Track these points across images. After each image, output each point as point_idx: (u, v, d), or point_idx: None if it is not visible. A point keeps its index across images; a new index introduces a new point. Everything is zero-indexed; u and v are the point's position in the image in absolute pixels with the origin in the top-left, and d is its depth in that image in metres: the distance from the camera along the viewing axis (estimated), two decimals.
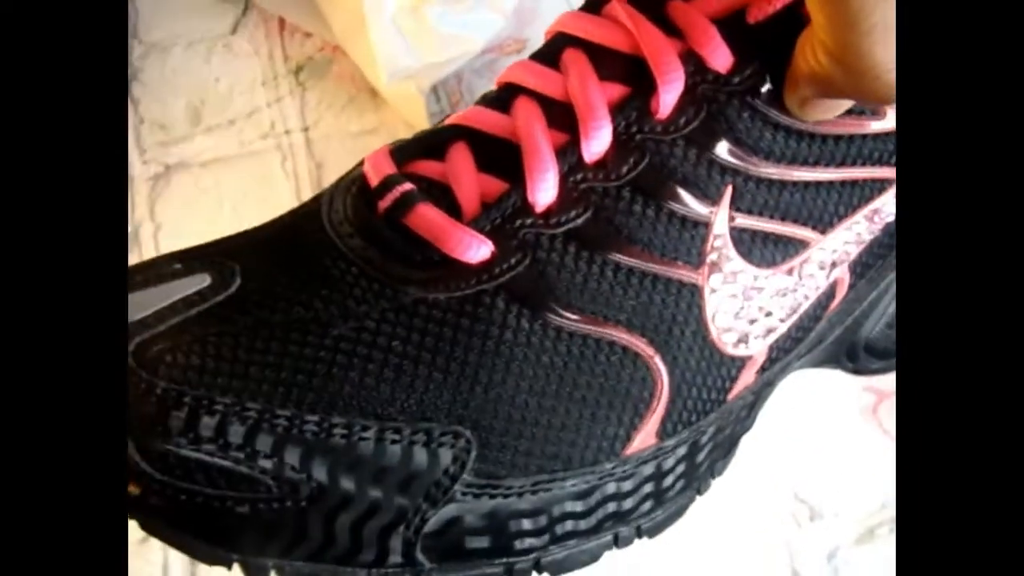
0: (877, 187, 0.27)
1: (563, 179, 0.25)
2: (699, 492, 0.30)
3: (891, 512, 0.46)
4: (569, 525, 0.27)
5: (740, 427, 0.32)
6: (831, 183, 0.27)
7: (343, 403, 0.23)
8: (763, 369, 0.29)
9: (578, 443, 0.26)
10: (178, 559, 0.46)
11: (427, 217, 0.25)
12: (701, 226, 0.25)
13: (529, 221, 0.25)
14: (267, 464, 0.23)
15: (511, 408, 0.25)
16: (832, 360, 0.33)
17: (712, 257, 0.26)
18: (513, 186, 0.26)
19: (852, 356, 0.33)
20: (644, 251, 0.25)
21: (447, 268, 0.25)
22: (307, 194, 0.58)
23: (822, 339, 0.31)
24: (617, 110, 0.26)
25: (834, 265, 0.28)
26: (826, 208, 0.27)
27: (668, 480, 0.28)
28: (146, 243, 0.56)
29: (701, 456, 0.29)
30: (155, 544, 0.47)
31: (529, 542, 0.26)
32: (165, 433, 0.23)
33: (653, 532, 0.29)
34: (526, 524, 0.26)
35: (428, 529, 0.25)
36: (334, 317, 0.24)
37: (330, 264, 0.25)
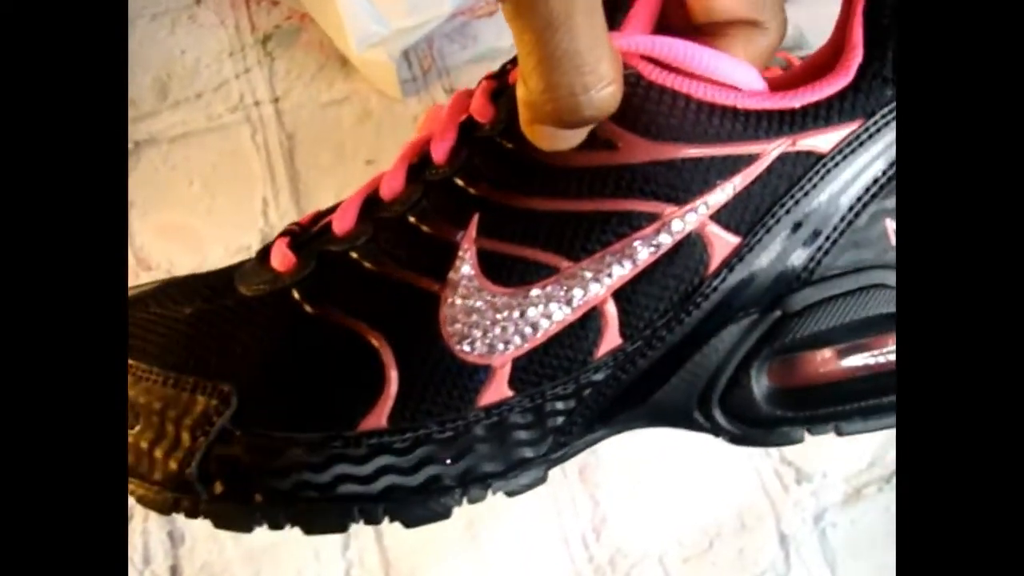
0: (634, 220, 0.29)
1: (361, 211, 0.32)
2: (466, 498, 0.32)
3: (879, 471, 0.46)
4: (310, 490, 0.30)
5: (538, 455, 0.32)
6: (578, 214, 0.29)
7: (161, 356, 0.32)
8: (517, 385, 0.31)
9: (318, 409, 0.30)
10: (160, 543, 0.46)
11: (277, 244, 0.33)
12: (449, 247, 0.30)
13: (328, 242, 0.32)
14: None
15: (269, 373, 0.31)
16: (684, 419, 0.33)
17: (453, 274, 0.30)
18: (331, 220, 0.32)
19: (706, 416, 0.32)
20: (400, 267, 0.30)
21: (270, 276, 0.32)
22: (279, 167, 0.57)
23: (646, 394, 0.32)
24: (415, 156, 0.32)
25: (584, 293, 0.30)
26: (575, 237, 0.29)
27: (415, 479, 0.31)
28: None
29: (454, 467, 0.31)
30: (136, 527, 0.46)
31: (273, 485, 0.30)
32: None
33: (407, 522, 0.31)
34: (275, 477, 0.30)
35: (199, 459, 0.30)
36: (191, 309, 0.33)
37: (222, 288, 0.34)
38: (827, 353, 0.31)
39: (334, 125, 0.58)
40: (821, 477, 0.46)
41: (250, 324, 0.31)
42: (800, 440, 0.32)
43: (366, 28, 0.56)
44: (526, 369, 0.31)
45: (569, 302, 0.30)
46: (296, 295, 0.31)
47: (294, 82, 0.60)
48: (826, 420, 0.32)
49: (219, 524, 0.31)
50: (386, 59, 0.57)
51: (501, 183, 0.30)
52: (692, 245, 0.29)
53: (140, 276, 0.53)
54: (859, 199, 0.30)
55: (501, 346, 0.30)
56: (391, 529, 0.47)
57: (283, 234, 0.34)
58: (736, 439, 0.33)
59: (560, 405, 0.31)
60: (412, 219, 0.30)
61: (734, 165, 0.29)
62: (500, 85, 0.31)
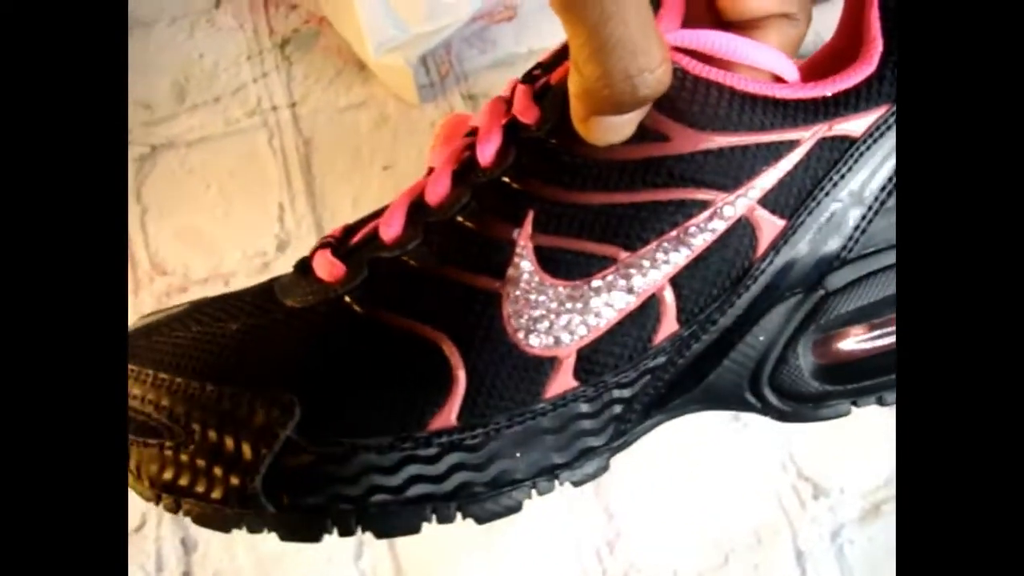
0: (687, 208, 0.30)
1: (409, 215, 0.32)
2: (536, 490, 0.32)
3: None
4: (382, 493, 0.31)
5: (602, 443, 0.33)
6: (632, 204, 0.30)
7: (213, 372, 0.32)
8: (583, 375, 0.31)
9: (386, 412, 0.30)
10: (172, 549, 0.46)
11: (319, 255, 0.34)
12: (505, 244, 0.30)
13: (377, 248, 0.32)
14: (161, 416, 0.32)
15: (332, 379, 0.31)
16: (737, 401, 0.34)
17: (512, 270, 0.30)
18: (376, 227, 0.33)
19: (758, 396, 0.33)
20: (457, 267, 0.31)
21: (318, 286, 0.33)
22: (295, 172, 0.56)
23: (700, 377, 0.33)
24: (458, 162, 0.32)
25: (644, 281, 0.31)
26: (631, 228, 0.30)
27: (486, 474, 0.31)
28: (133, 227, 0.55)
29: (523, 459, 0.32)
30: (149, 534, 0.46)
31: (343, 492, 0.31)
32: None
33: (480, 519, 0.32)
34: (345, 484, 0.31)
35: (265, 472, 0.30)
36: (238, 325, 0.33)
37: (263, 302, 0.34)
38: (868, 327, 0.33)
39: (351, 130, 0.58)
40: (839, 493, 0.45)
41: (305, 333, 0.32)
42: (847, 413, 0.34)
43: (384, 33, 0.56)
44: (590, 359, 0.31)
45: (630, 290, 0.31)
46: (351, 302, 0.31)
47: (312, 87, 0.60)
48: (870, 392, 0.33)
49: (287, 536, 0.31)
50: (403, 64, 0.57)
51: (552, 180, 0.30)
52: (742, 229, 0.31)
53: (155, 281, 0.53)
54: (890, 179, 0.31)
55: (566, 337, 0.31)
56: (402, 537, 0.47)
57: (322, 246, 0.34)
58: (785, 416, 0.34)
59: (621, 393, 0.32)
60: (463, 220, 0.31)
61: (777, 151, 0.30)
62: (542, 86, 0.32)
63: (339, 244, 0.34)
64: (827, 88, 0.30)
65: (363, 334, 0.31)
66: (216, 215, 0.55)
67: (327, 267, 0.33)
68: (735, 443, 0.47)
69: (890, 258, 0.32)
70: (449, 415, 0.31)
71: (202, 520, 0.31)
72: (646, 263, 0.31)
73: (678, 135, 0.30)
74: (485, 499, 0.32)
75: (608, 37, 0.25)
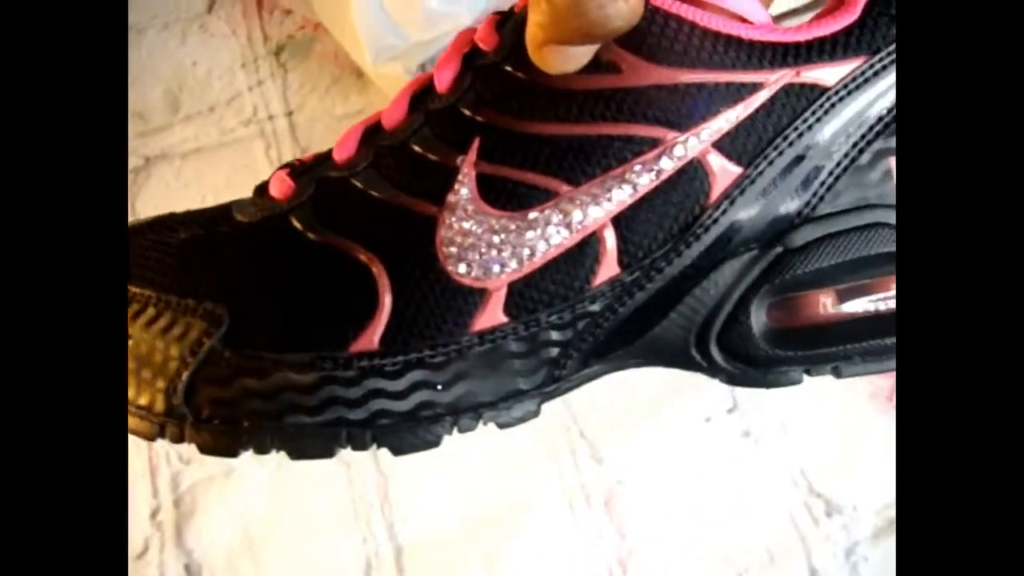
0: (635, 145, 0.29)
1: (362, 139, 0.32)
2: (456, 427, 0.31)
3: None
4: (299, 413, 0.30)
5: (534, 384, 0.32)
6: (580, 137, 0.29)
7: (155, 279, 0.32)
8: (512, 311, 0.30)
9: (309, 329, 0.30)
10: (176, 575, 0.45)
11: (276, 175, 0.33)
12: (448, 170, 0.30)
13: (327, 168, 0.32)
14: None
15: (260, 293, 0.31)
16: (681, 357, 0.32)
17: (451, 197, 0.30)
18: (329, 153, 0.33)
19: (703, 354, 0.31)
20: (399, 191, 0.30)
21: (268, 203, 0.32)
22: None
23: (643, 328, 0.32)
24: (417, 90, 0.32)
25: (583, 217, 0.30)
26: (576, 161, 0.29)
27: (404, 404, 0.31)
28: None
29: (445, 393, 0.31)
30: (152, 559, 0.46)
31: (260, 408, 0.30)
32: None
33: (396, 449, 0.31)
34: (263, 399, 0.30)
35: (187, 380, 0.30)
36: (186, 235, 0.33)
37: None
38: (827, 292, 0.31)
39: None
40: (851, 510, 0.45)
41: (244, 247, 0.32)
42: (799, 381, 0.32)
43: (383, 41, 0.55)
44: (522, 294, 0.30)
45: (568, 226, 0.30)
46: (293, 220, 0.31)
47: (308, 95, 0.59)
48: (825, 361, 0.31)
49: (205, 449, 0.30)
50: (403, 73, 0.56)
51: (503, 108, 0.30)
52: (693, 172, 0.29)
53: None
54: (863, 136, 0.30)
55: (497, 268, 0.30)
56: (412, 559, 0.46)
57: (283, 166, 0.34)
58: (733, 379, 0.32)
59: (555, 335, 0.31)
60: (413, 145, 0.31)
61: (737, 93, 0.29)
62: (505, 14, 0.31)
63: (299, 165, 0.33)
64: (800, 34, 0.29)
65: (297, 250, 0.31)
66: None
67: (279, 184, 0.32)
68: (746, 459, 0.47)
69: (858, 219, 0.30)
70: (372, 338, 0.30)
71: (130, 430, 0.31)
72: (587, 199, 0.29)
73: (632, 68, 0.29)
74: (403, 430, 0.31)
75: None
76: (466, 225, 0.30)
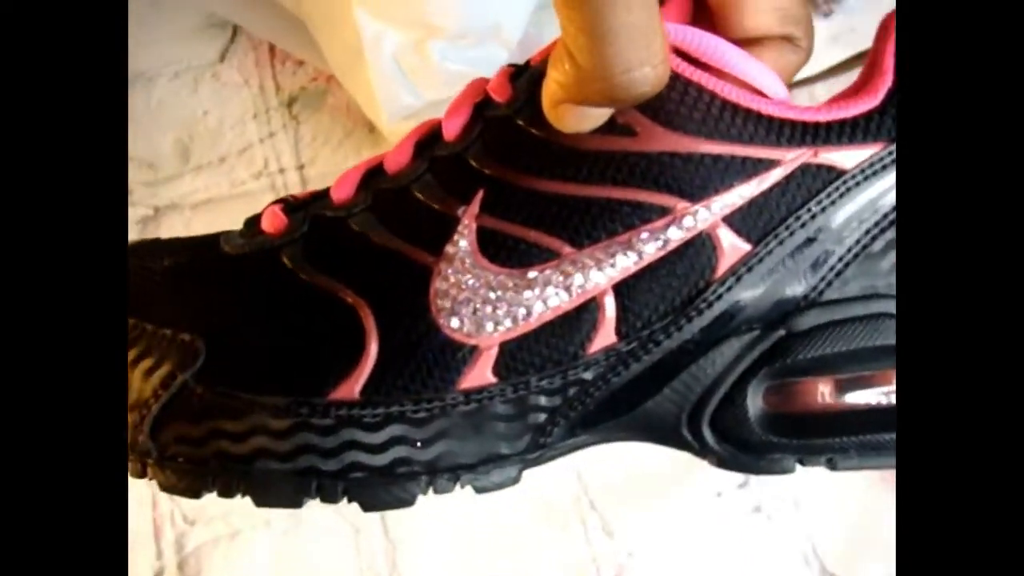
0: (644, 212, 0.29)
1: (362, 182, 0.31)
2: (432, 488, 0.30)
3: None
4: (269, 459, 0.29)
5: (513, 452, 0.31)
6: (587, 199, 0.29)
7: (135, 305, 0.30)
8: (502, 372, 0.30)
9: (288, 371, 0.29)
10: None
11: (269, 210, 0.32)
12: (448, 220, 0.29)
13: (323, 207, 0.31)
14: None
15: (240, 329, 0.30)
16: (673, 436, 0.31)
17: (450, 248, 0.29)
18: (326, 191, 0.32)
19: (695, 434, 0.31)
20: (395, 237, 0.30)
21: (258, 237, 0.31)
22: None
23: (635, 402, 0.31)
24: (423, 135, 0.31)
25: (585, 281, 0.29)
26: (581, 223, 0.29)
27: (381, 458, 0.30)
28: None
29: (424, 451, 0.30)
30: None
31: (229, 450, 0.29)
32: None
33: (367, 504, 0.30)
34: (233, 440, 0.29)
35: (155, 414, 0.29)
36: (169, 263, 0.32)
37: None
38: (828, 381, 0.30)
39: None
40: None
41: (229, 279, 0.31)
42: (791, 470, 0.31)
43: (399, 100, 0.55)
44: (513, 355, 0.29)
45: (568, 288, 0.29)
46: (283, 256, 0.30)
47: (320, 148, 0.59)
48: (820, 452, 0.31)
49: (166, 487, 0.30)
50: None
51: (511, 162, 0.29)
52: (701, 245, 0.29)
53: None
54: (876, 224, 0.29)
55: (490, 326, 0.29)
56: None
57: (277, 201, 0.33)
58: (723, 462, 0.31)
59: (544, 401, 0.30)
60: (415, 192, 0.30)
61: (753, 168, 0.28)
62: (521, 67, 0.30)
63: (295, 201, 0.33)
64: (820, 114, 0.29)
65: (284, 288, 0.30)
66: None
67: (271, 219, 0.31)
68: (757, 535, 0.47)
69: (864, 308, 0.30)
70: (353, 387, 0.29)
71: None
72: (590, 262, 0.29)
73: (647, 132, 0.28)
74: (376, 486, 0.30)
75: (612, 24, 0.24)
76: (462, 278, 0.29)
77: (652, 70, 0.25)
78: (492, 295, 0.29)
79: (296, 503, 0.30)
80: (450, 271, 0.29)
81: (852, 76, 0.61)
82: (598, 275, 0.29)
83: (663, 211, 0.28)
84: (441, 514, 0.29)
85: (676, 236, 0.29)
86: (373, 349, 0.29)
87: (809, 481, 0.47)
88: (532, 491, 0.47)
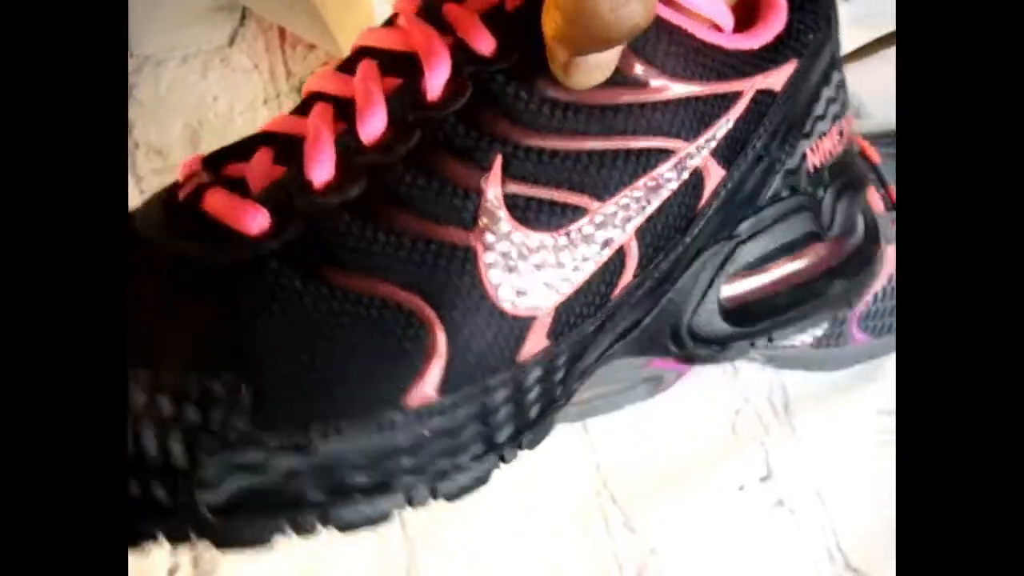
0: (654, 158, 0.29)
1: (340, 159, 0.28)
2: (503, 460, 0.30)
3: None
4: (354, 480, 0.27)
5: (549, 402, 0.31)
6: (603, 152, 0.29)
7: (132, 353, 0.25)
8: (555, 334, 0.30)
9: (355, 394, 0.27)
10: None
11: (215, 199, 0.28)
12: (472, 192, 0.27)
13: (306, 195, 0.27)
14: None
15: (283, 357, 0.26)
16: (658, 347, 0.34)
17: (484, 220, 0.28)
18: (295, 170, 0.28)
19: (677, 342, 0.34)
20: (418, 217, 0.27)
21: (232, 240, 0.27)
22: None
23: (635, 322, 0.33)
24: (392, 97, 0.28)
25: (615, 232, 0.29)
26: (600, 176, 0.29)
27: (463, 437, 0.29)
28: None
29: (498, 419, 0.29)
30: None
31: (312, 496, 0.27)
32: None
33: (452, 496, 0.29)
34: (308, 480, 0.26)
35: (206, 476, 0.25)
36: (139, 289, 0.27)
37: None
38: (765, 271, 0.35)
39: None
40: None
41: (229, 299, 0.26)
42: (746, 352, 0.36)
43: None
44: (562, 317, 0.29)
45: (600, 243, 0.29)
46: (289, 260, 0.27)
47: None
48: (762, 333, 0.35)
49: (226, 543, 0.26)
50: None
51: (519, 122, 0.28)
52: (696, 179, 0.31)
53: None
54: (796, 135, 0.33)
55: (545, 293, 0.29)
56: None
57: (211, 183, 0.29)
58: (701, 360, 0.35)
59: (571, 351, 0.31)
60: (415, 164, 0.27)
61: (727, 102, 0.30)
62: (491, 8, 0.29)
63: (230, 182, 0.28)
64: (752, 41, 0.31)
65: (312, 301, 0.26)
66: None
67: (239, 214, 0.27)
68: (780, 529, 0.46)
69: (787, 207, 0.34)
70: (431, 387, 0.27)
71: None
72: (617, 214, 0.29)
73: (649, 81, 0.29)
74: (456, 475, 0.29)
75: None
76: (506, 250, 0.28)
77: (639, 4, 0.24)
78: (536, 261, 0.28)
79: (387, 517, 0.28)
80: (492, 244, 0.28)
81: (873, 60, 0.60)
82: (626, 224, 0.30)
83: (668, 154, 0.30)
84: (459, 508, 0.29)
85: (682, 176, 0.30)
86: (442, 344, 0.27)
87: (832, 474, 0.47)
88: (551, 486, 0.47)
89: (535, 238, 0.28)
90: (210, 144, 0.57)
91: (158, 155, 0.57)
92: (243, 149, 0.30)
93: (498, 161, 0.28)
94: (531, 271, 0.28)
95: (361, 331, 0.27)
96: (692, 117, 0.29)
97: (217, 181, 0.28)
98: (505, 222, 0.28)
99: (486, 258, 0.28)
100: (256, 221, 0.27)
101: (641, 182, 0.29)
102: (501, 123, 0.28)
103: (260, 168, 0.29)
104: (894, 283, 0.47)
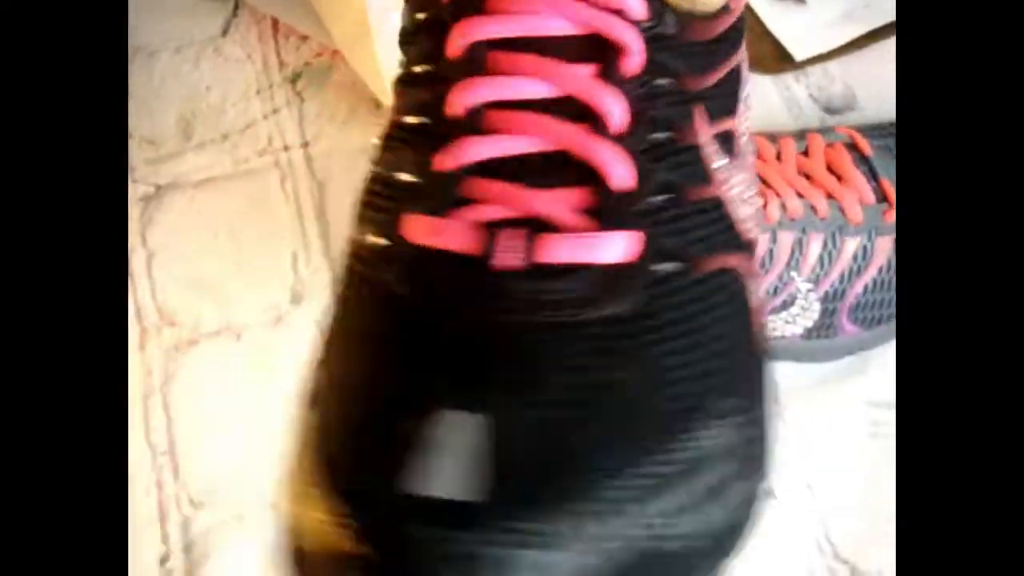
0: (739, 77, 0.32)
1: (637, 159, 0.26)
2: None
3: None
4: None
5: None
6: (724, 78, 0.30)
7: None
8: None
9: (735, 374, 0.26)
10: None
11: (552, 242, 0.24)
12: (694, 147, 0.28)
13: (625, 206, 0.25)
14: None
15: (719, 359, 0.25)
16: None
17: (714, 168, 0.28)
18: (597, 185, 0.25)
19: None
20: (690, 186, 0.27)
21: (600, 277, 0.24)
22: (309, 219, 0.54)
23: None
24: (609, 79, 0.26)
25: (741, 138, 0.32)
26: (729, 99, 0.31)
27: None
28: (139, 272, 0.52)
29: None
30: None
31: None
32: None
33: None
34: None
35: None
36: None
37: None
38: None
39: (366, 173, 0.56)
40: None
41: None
42: None
43: None
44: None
45: (747, 152, 0.32)
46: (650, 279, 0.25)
47: (324, 126, 0.58)
48: None
49: None
50: None
51: (689, 71, 0.28)
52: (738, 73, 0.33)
53: (163, 332, 0.50)
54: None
55: (755, 220, 0.31)
56: None
57: (508, 234, 0.24)
58: None
59: None
60: (668, 143, 0.27)
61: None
62: None
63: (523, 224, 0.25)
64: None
65: (689, 299, 0.25)
66: (226, 262, 0.53)
67: (596, 245, 0.24)
68: (770, 520, 0.46)
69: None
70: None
71: None
72: (740, 124, 0.32)
73: (735, 8, 0.31)
74: None
75: None
76: (736, 189, 0.29)
77: None
78: (747, 189, 0.30)
79: None
80: (728, 189, 0.29)
81: (865, 53, 0.60)
82: (742, 127, 0.32)
83: (739, 64, 0.32)
84: None
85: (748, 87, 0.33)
86: (754, 300, 0.28)
87: (822, 464, 0.47)
88: None
89: (738, 171, 0.30)
90: (203, 134, 0.57)
91: (151, 145, 0.56)
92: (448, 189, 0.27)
93: (696, 112, 0.28)
94: (751, 202, 0.31)
95: (725, 309, 0.26)
96: (738, 31, 0.32)
97: (517, 226, 0.25)
98: (726, 164, 0.29)
99: (730, 202, 0.29)
100: (615, 247, 0.25)
101: (740, 96, 0.32)
102: (683, 77, 0.28)
103: (543, 194, 0.26)
104: (884, 274, 0.47)
